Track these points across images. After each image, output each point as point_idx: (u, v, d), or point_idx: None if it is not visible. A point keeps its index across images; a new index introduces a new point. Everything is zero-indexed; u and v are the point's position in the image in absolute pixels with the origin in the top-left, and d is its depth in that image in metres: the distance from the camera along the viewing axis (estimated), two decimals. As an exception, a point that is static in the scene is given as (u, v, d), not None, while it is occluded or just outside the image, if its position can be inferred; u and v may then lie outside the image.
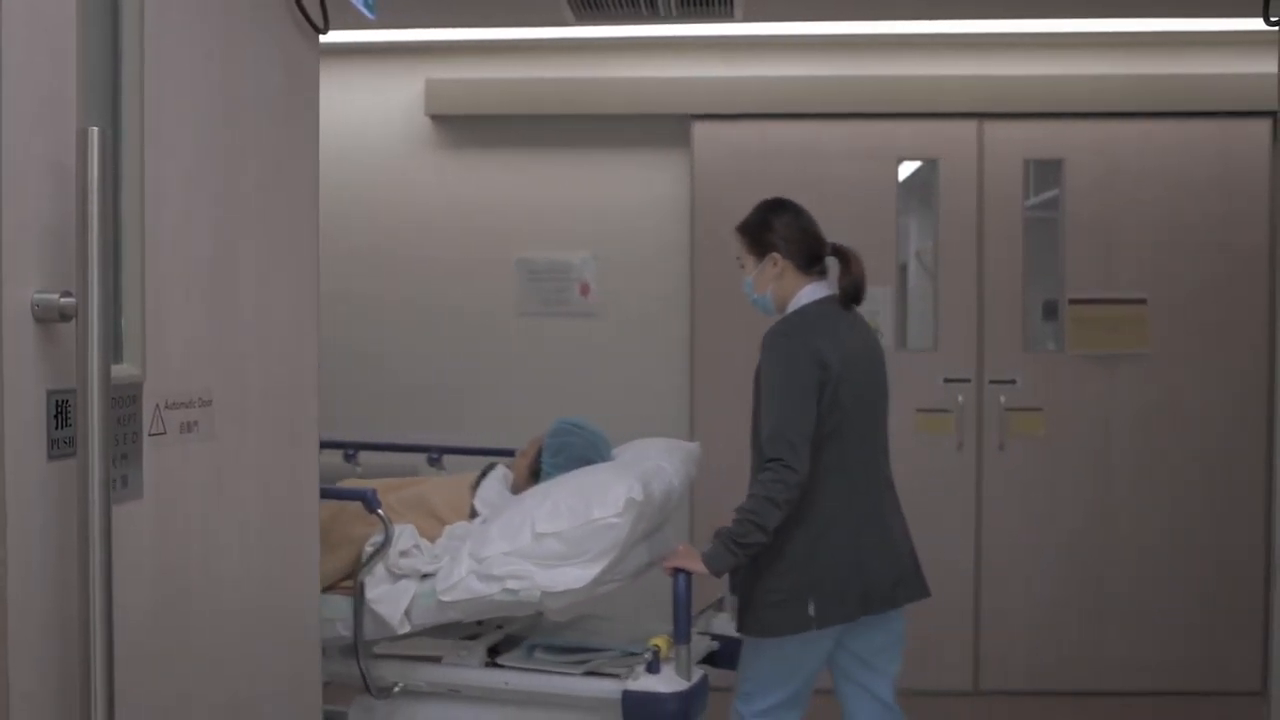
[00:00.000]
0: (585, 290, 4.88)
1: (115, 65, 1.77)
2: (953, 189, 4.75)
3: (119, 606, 1.56)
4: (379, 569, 2.92)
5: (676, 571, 2.85)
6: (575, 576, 2.80)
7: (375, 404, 4.75)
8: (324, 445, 2.70)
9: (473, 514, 3.18)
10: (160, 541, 1.87)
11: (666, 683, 2.79)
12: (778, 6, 4.35)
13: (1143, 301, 4.69)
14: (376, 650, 3.05)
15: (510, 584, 2.81)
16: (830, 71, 4.72)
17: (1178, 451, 4.68)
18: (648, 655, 2.82)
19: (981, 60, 4.73)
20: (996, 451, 4.71)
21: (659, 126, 4.82)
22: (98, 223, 1.50)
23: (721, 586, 3.01)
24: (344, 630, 2.91)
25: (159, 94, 1.84)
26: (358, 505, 2.91)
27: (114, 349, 1.67)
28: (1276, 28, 2.82)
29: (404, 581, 2.93)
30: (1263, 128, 4.64)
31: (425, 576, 2.93)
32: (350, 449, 3.89)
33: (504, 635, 3.20)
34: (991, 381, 4.72)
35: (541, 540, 2.82)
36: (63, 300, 1.52)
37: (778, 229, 2.91)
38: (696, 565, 2.80)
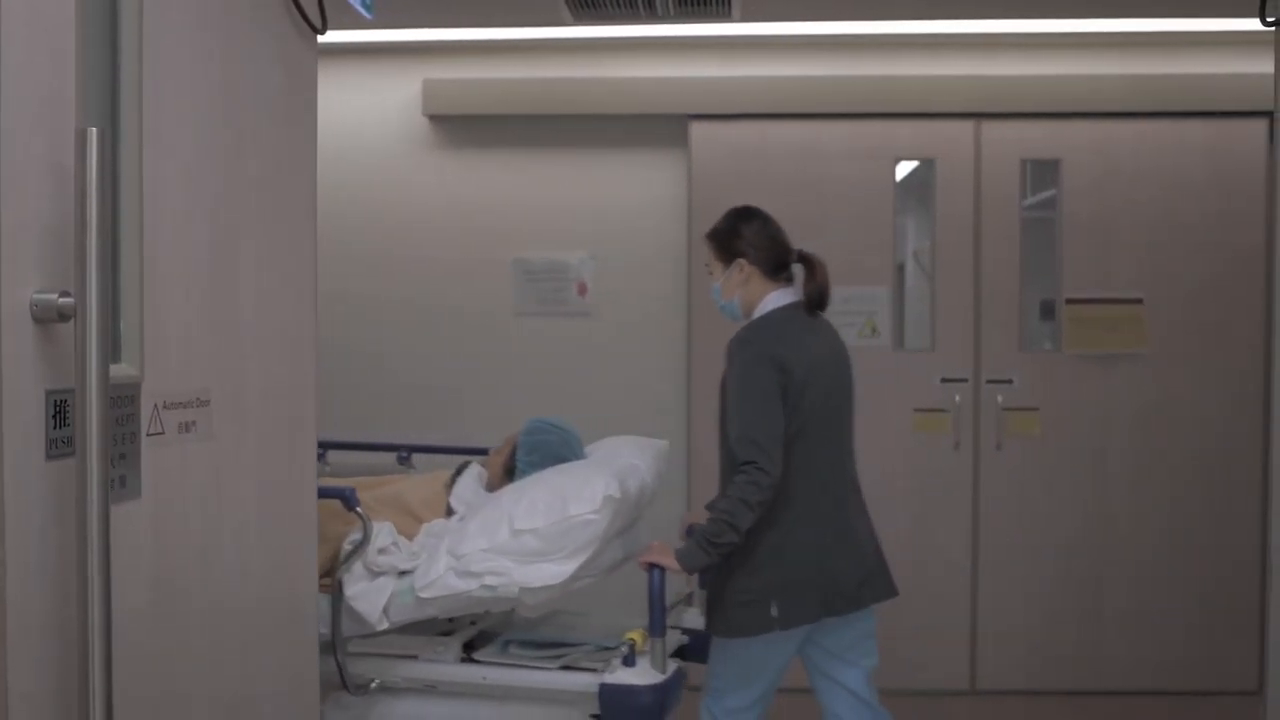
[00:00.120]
0: (582, 290, 4.88)
1: (114, 66, 1.78)
2: (950, 189, 4.76)
3: (117, 606, 1.56)
4: (357, 566, 2.96)
5: (651, 567, 2.90)
6: (553, 572, 2.87)
7: (373, 404, 4.75)
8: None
9: (449, 512, 3.23)
10: (158, 541, 1.87)
11: (642, 675, 2.86)
12: (775, 6, 4.35)
13: (1140, 301, 4.70)
14: (350, 648, 3.08)
15: (489, 580, 2.87)
16: (828, 71, 4.73)
17: (1175, 451, 4.69)
18: (624, 649, 2.90)
19: (979, 60, 4.74)
20: (994, 451, 4.72)
21: (656, 126, 4.82)
22: (96, 223, 1.50)
23: (691, 581, 3.06)
24: (322, 627, 2.93)
25: (158, 94, 1.84)
26: (335, 503, 2.94)
27: (112, 349, 1.67)
28: (1273, 28, 2.83)
29: (382, 579, 2.98)
30: (1259, 128, 4.64)
31: (403, 574, 2.98)
32: (319, 448, 3.89)
33: (477, 631, 3.24)
34: (988, 381, 4.73)
35: (519, 537, 2.88)
36: (61, 300, 1.53)
37: (746, 236, 2.98)
38: (670, 562, 2.86)
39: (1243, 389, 4.63)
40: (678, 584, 2.93)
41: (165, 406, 1.88)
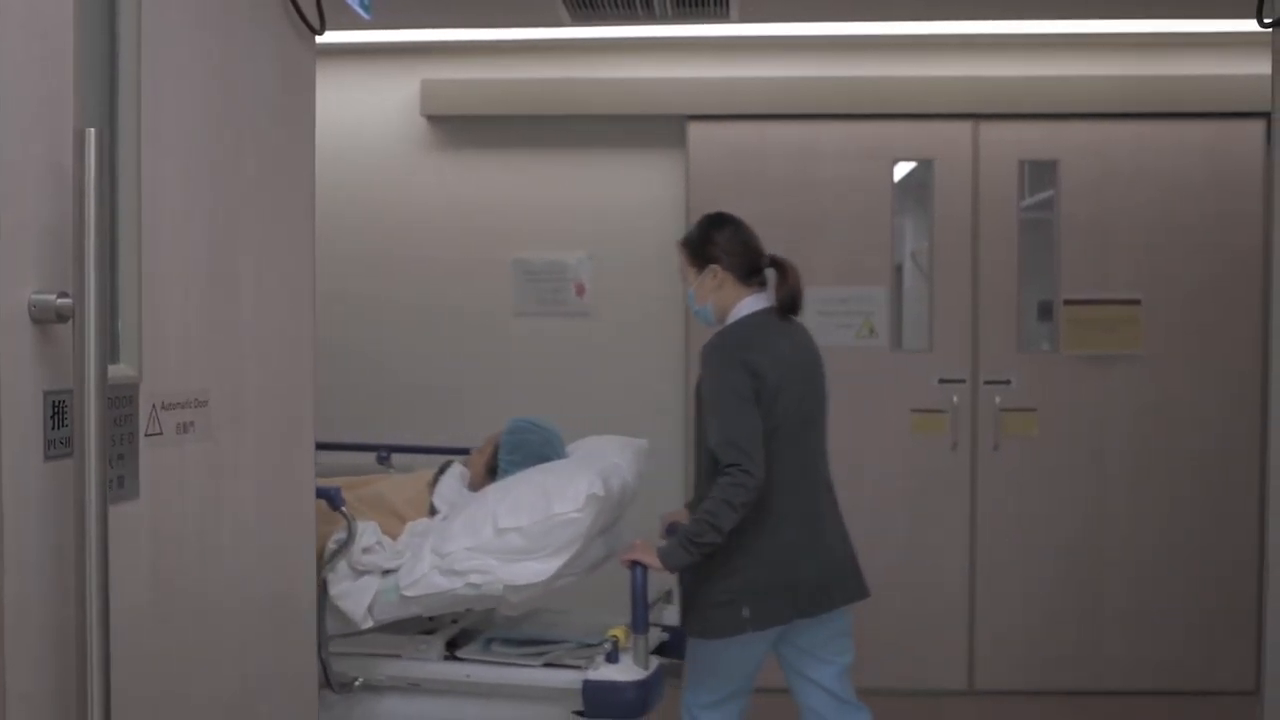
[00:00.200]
0: (581, 290, 4.89)
1: (112, 66, 1.78)
2: (948, 190, 4.76)
3: (115, 606, 1.56)
4: (341, 565, 2.97)
5: (633, 564, 2.91)
6: (536, 570, 2.89)
7: (372, 403, 4.75)
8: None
9: (432, 511, 3.24)
10: (156, 541, 1.87)
11: (625, 672, 2.88)
12: (773, 7, 4.36)
13: (1137, 302, 4.70)
14: (332, 647, 3.09)
15: (473, 578, 2.89)
16: (826, 72, 4.73)
17: (1172, 451, 4.69)
18: (607, 645, 2.91)
19: (977, 61, 4.74)
20: (991, 452, 4.72)
21: (654, 127, 4.83)
22: (95, 223, 1.50)
23: (671, 579, 3.08)
24: None
25: (156, 95, 1.84)
26: (319, 503, 2.94)
27: (111, 349, 1.67)
28: (1270, 29, 2.83)
29: (366, 578, 2.99)
30: (1257, 129, 4.65)
31: (387, 573, 2.99)
32: None
33: (460, 629, 3.25)
34: (986, 382, 4.73)
35: (503, 535, 2.90)
36: (59, 301, 1.53)
37: (719, 242, 3.01)
38: (652, 560, 2.87)
39: (1241, 390, 4.64)
40: (659, 582, 2.95)
41: (163, 407, 1.88)
